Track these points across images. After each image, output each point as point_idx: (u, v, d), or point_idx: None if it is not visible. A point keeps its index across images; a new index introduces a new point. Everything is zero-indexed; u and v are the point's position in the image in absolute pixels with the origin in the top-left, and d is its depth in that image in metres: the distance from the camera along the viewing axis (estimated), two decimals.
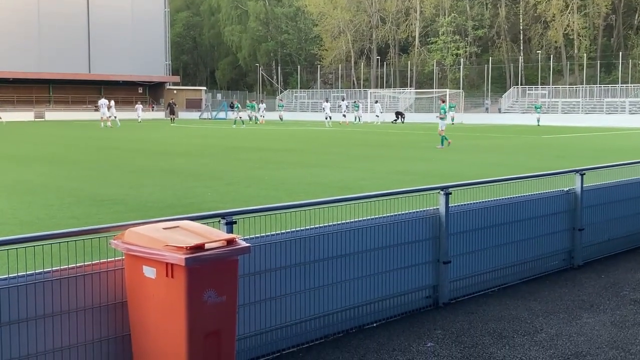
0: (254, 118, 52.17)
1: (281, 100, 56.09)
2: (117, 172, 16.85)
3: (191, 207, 10.98)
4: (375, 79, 78.81)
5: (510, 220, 6.73)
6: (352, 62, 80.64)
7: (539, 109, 48.74)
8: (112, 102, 50.04)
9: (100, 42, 71.74)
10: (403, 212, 5.79)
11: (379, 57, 77.52)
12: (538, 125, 46.86)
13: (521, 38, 72.92)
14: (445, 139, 26.69)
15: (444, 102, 29.03)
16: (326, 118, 48.40)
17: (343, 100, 54.63)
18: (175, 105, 55.09)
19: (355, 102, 52.61)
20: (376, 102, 51.01)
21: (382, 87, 74.33)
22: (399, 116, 57.33)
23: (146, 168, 17.75)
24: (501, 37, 73.04)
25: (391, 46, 79.71)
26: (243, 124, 50.03)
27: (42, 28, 68.81)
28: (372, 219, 5.54)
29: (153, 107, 70.47)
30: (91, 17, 72.08)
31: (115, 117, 48.71)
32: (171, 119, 52.44)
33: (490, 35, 74.23)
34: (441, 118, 27.32)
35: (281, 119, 51.87)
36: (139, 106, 55.98)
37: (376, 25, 79.45)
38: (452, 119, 51.40)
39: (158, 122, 55.89)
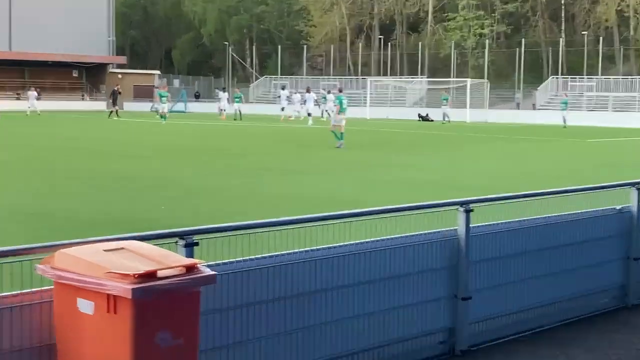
0: (238, 112, 52.36)
1: (238, 90, 55.99)
2: (43, 177, 16.77)
3: (140, 223, 10.95)
4: (376, 64, 79.15)
5: (547, 246, 6.76)
6: (348, 42, 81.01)
7: (565, 106, 49.11)
8: (33, 91, 50.15)
9: (24, 12, 71.57)
10: (411, 234, 5.80)
11: (381, 37, 77.87)
12: (564, 126, 47.06)
13: (562, 15, 73.59)
14: (337, 137, 26.78)
15: (341, 91, 29.40)
16: (309, 114, 48.55)
17: (283, 89, 54.98)
18: (119, 93, 54.79)
19: (329, 92, 53.07)
20: (328, 92, 51.11)
21: (385, 74, 74.66)
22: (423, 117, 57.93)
23: (82, 173, 17.72)
24: (537, 14, 73.67)
25: (397, 23, 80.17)
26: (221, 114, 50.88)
27: None
28: (372, 242, 5.54)
29: (83, 96, 70.19)
30: None
31: (32, 107, 48.83)
32: (111, 111, 51.90)
33: (524, 11, 74.85)
34: (332, 110, 27.67)
35: (239, 115, 51.68)
36: (32, 93, 54.62)
37: None
38: (445, 117, 51.86)
39: (98, 115, 55.75)
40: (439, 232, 5.99)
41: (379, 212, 5.79)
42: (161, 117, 44.86)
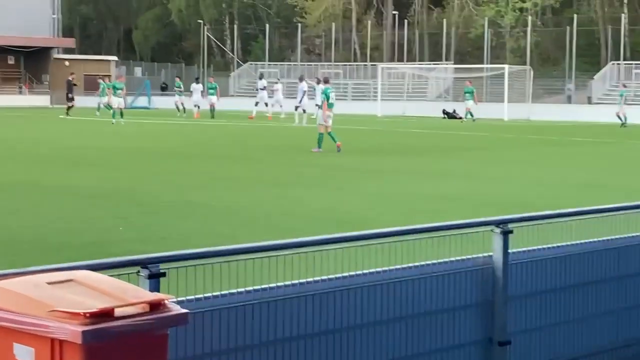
0: (211, 107, 52.52)
1: (212, 79, 55.85)
2: None
3: (93, 248, 10.93)
4: (390, 48, 79.30)
5: (609, 277, 6.77)
6: (354, 19, 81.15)
7: (621, 99, 49.42)
8: None
9: None
10: (434, 262, 5.81)
11: (396, 13, 78.10)
12: (623, 124, 47.26)
13: None
14: (332, 138, 26.99)
15: (327, 82, 29.34)
16: (297, 108, 48.54)
17: (261, 78, 55.28)
18: (74, 85, 55.02)
19: (319, 81, 53.33)
20: (318, 82, 51.22)
21: (400, 60, 74.83)
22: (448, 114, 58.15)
23: (20, 184, 17.69)
24: None
25: None
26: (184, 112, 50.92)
27: None
28: (384, 272, 5.54)
29: (21, 88, 70.11)
30: None
31: None
32: (68, 107, 52.26)
33: None
34: (320, 106, 27.78)
35: (212, 111, 51.77)
36: None
37: None
38: (468, 114, 52.01)
39: (40, 111, 55.83)
40: (469, 259, 6.00)
41: (393, 234, 5.80)
42: (113, 114, 44.93)
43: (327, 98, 27.72)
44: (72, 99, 53.01)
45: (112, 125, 41.70)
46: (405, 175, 21.01)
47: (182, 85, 55.07)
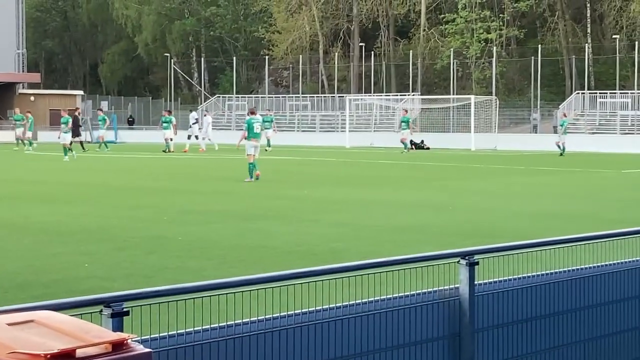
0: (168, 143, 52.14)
1: (168, 112, 54.93)
2: None
3: (56, 286, 10.85)
4: (357, 79, 79.72)
5: (575, 307, 6.77)
6: (321, 51, 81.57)
7: (563, 126, 49.92)
8: None
9: None
10: (401, 295, 5.80)
11: (363, 44, 78.58)
12: (561, 154, 47.56)
13: (588, 15, 74.66)
14: (253, 168, 28.02)
15: (253, 114, 30.52)
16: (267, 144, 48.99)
17: (191, 111, 56.05)
18: (78, 122, 54.57)
19: (268, 114, 53.95)
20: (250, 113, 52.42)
21: (368, 91, 75.24)
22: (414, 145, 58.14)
23: None
24: (557, 14, 74.75)
25: (382, 27, 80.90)
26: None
27: None
28: (351, 306, 5.53)
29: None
30: None
31: None
32: (81, 142, 51.91)
33: (540, 11, 75.94)
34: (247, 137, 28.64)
35: (167, 145, 51.18)
36: None
37: None
38: (406, 145, 51.59)
39: (5, 146, 55.53)
40: (436, 291, 5.99)
41: (360, 267, 5.79)
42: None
43: (251, 129, 28.08)
44: (79, 134, 52.66)
45: (66, 161, 40.99)
46: (373, 206, 21.04)
47: (172, 120, 53.92)
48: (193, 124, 53.86)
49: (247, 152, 28.39)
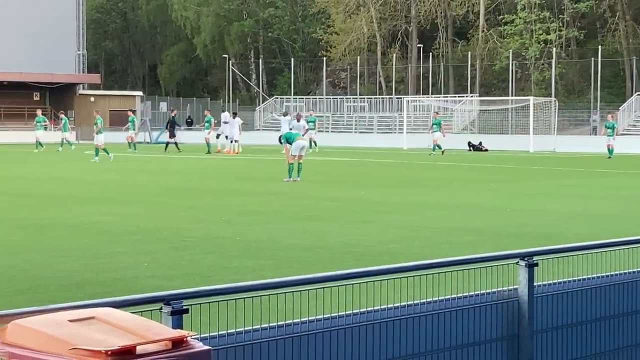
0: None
1: (208, 112, 54.80)
2: None
3: (115, 285, 10.96)
4: (414, 80, 79.45)
5: (635, 309, 6.70)
6: (379, 53, 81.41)
7: (611, 128, 48.93)
8: None
9: None
10: (458, 296, 5.78)
11: (421, 46, 78.29)
12: (609, 156, 46.63)
13: None
14: (293, 170, 28.43)
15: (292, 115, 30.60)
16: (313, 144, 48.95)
17: (223, 111, 55.38)
18: (174, 124, 54.97)
19: (311, 114, 53.69)
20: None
21: (426, 92, 74.96)
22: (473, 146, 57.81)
23: (40, 222, 17.78)
24: (617, 15, 73.78)
25: (441, 28, 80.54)
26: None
27: None
28: (407, 307, 5.52)
29: (46, 124, 70.36)
30: None
31: None
32: (174, 143, 52.35)
33: (600, 12, 74.97)
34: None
35: (208, 145, 51.17)
36: None
37: None
38: (435, 146, 50.79)
39: (65, 147, 56.10)
40: (494, 292, 5.96)
41: (417, 267, 5.77)
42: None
43: (291, 142, 28.78)
44: (174, 136, 53.15)
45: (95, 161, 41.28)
46: (428, 207, 20.95)
47: (212, 120, 53.99)
48: (224, 122, 53.77)
49: (291, 152, 28.54)
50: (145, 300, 4.56)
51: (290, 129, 39.49)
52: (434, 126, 52.20)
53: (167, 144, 52.83)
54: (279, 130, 54.98)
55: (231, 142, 51.26)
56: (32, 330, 3.86)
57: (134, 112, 59.74)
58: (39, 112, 56.87)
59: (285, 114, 54.45)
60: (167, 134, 54.79)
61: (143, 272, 12.05)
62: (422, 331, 5.52)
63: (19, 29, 73.78)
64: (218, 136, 52.69)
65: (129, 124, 56.89)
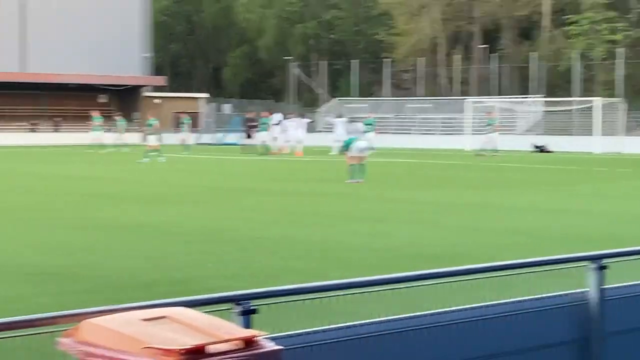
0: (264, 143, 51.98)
1: (265, 114, 54.36)
2: (59, 227, 17.12)
3: (182, 284, 11.06)
4: (478, 81, 78.96)
5: None
6: (442, 53, 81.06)
7: (489, 127, 49.17)
8: None
9: (40, 25, 73.51)
10: (525, 299, 5.74)
11: (485, 46, 77.79)
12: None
13: None
14: (355, 171, 28.12)
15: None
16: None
17: (273, 113, 54.78)
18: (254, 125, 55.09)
19: (370, 117, 53.22)
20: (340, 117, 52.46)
21: (489, 93, 74.44)
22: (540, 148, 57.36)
23: (108, 222, 18.01)
24: None
25: (505, 28, 80.00)
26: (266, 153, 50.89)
27: None
28: (475, 309, 5.50)
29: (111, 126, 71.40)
30: None
31: None
32: (267, 148, 51.90)
33: None
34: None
35: (266, 147, 50.91)
36: None
37: None
38: (488, 147, 50.20)
39: (130, 148, 56.73)
40: (564, 295, 5.91)
41: (483, 270, 5.74)
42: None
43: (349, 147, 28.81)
44: (250, 137, 53.53)
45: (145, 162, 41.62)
46: (493, 209, 20.83)
47: (269, 121, 53.96)
48: (274, 124, 53.65)
49: (351, 153, 28.53)
50: (214, 300, 4.60)
51: (347, 132, 39.46)
52: (487, 126, 51.83)
53: (245, 145, 52.52)
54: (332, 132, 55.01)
55: (297, 143, 51.32)
56: (106, 329, 3.91)
57: (187, 114, 59.96)
58: (96, 113, 57.94)
59: (339, 116, 54.37)
60: (244, 134, 54.60)
61: (208, 272, 12.15)
62: (490, 333, 5.49)
63: (86, 32, 74.73)
64: (275, 138, 52.59)
65: (182, 125, 57.19)
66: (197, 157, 48.01)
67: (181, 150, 51.46)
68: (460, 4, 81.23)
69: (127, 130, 61.97)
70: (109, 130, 58.37)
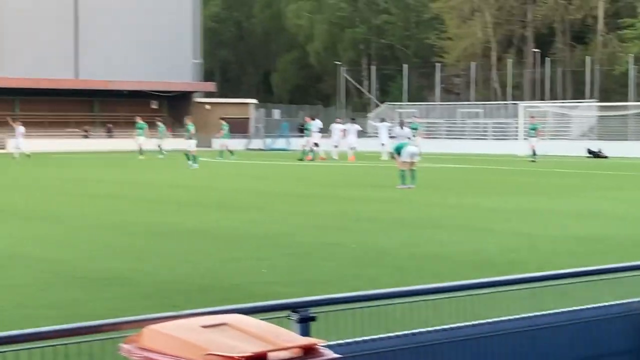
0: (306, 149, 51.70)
1: (311, 119, 53.91)
2: (114, 233, 17.28)
3: (237, 291, 11.13)
4: (531, 86, 78.47)
5: None
6: (494, 57, 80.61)
7: (532, 131, 49.65)
8: (21, 128, 52.30)
9: (92, 33, 74.26)
10: (587, 307, 5.70)
11: (537, 51, 77.24)
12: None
13: None
14: (405, 177, 27.89)
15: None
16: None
17: (313, 119, 54.21)
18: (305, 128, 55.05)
19: (415, 121, 52.84)
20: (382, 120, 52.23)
21: (542, 98, 73.91)
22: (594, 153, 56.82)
23: (160, 227, 18.15)
24: None
25: (558, 33, 79.36)
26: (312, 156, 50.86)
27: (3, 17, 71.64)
28: (534, 318, 5.47)
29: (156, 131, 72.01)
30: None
31: (20, 148, 51.20)
32: (311, 150, 52.01)
33: None
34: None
35: (304, 152, 50.47)
36: (19, 128, 53.01)
37: (532, 0, 79.35)
38: (533, 152, 49.50)
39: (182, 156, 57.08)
40: (624, 304, 5.86)
41: (542, 278, 5.73)
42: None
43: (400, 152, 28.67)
44: (316, 144, 53.00)
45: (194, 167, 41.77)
46: (547, 215, 20.66)
47: (311, 127, 53.51)
48: (315, 131, 53.44)
49: (402, 159, 28.49)
50: (272, 307, 4.64)
51: (392, 137, 39.27)
52: (531, 131, 51.27)
53: (310, 150, 52.15)
54: (393, 137, 54.67)
55: (349, 148, 51.16)
56: (167, 336, 3.96)
57: (226, 119, 59.87)
58: (138, 118, 58.24)
59: (382, 120, 54.21)
60: (306, 140, 54.05)
61: (262, 278, 12.20)
62: (548, 343, 5.47)
63: (136, 39, 75.32)
64: (317, 144, 52.24)
65: (222, 131, 57.04)
66: (244, 162, 48.20)
67: (228, 156, 51.55)
68: (512, 8, 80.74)
69: (175, 136, 62.43)
70: (152, 137, 58.67)
